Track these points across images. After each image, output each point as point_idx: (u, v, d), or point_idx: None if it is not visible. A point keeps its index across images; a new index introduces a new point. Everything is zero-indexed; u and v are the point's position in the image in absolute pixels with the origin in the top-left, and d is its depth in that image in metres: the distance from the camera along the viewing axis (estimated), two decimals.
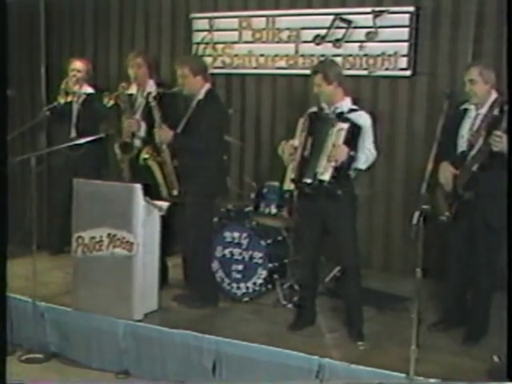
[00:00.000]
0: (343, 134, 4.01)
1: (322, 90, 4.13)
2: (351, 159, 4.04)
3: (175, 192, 4.73)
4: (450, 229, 4.13)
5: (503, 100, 3.89)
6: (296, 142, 4.22)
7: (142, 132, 4.98)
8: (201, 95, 4.62)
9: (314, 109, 4.31)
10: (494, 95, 3.97)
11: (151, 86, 5.02)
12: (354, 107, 4.18)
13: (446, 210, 4.01)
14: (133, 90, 5.08)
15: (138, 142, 4.99)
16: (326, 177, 4.02)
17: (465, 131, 4.01)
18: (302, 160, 4.16)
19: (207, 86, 4.65)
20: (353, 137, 4.02)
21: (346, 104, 4.17)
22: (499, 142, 3.70)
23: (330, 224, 4.18)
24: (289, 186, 4.23)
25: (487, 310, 4.12)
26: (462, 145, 4.01)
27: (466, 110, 4.07)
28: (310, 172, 4.10)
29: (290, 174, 4.19)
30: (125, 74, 5.21)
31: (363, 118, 4.11)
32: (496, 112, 3.90)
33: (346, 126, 4.02)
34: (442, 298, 4.43)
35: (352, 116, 4.09)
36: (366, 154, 4.09)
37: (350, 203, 4.18)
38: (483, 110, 3.97)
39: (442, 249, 4.42)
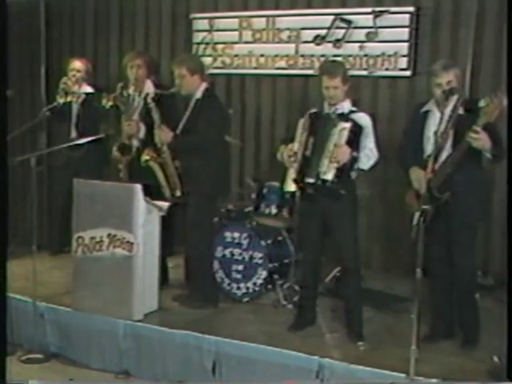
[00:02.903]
0: (346, 133, 4.01)
1: (338, 93, 4.10)
2: (354, 160, 4.04)
3: (178, 192, 4.73)
4: (428, 232, 3.86)
5: (465, 99, 3.94)
6: (295, 145, 4.21)
7: (142, 134, 4.95)
8: (198, 94, 4.62)
9: (314, 109, 4.31)
10: (456, 95, 3.94)
11: (149, 87, 4.98)
12: (354, 109, 4.18)
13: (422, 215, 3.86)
14: (129, 90, 5.03)
15: (135, 143, 4.96)
16: (329, 176, 4.02)
17: (430, 133, 3.94)
18: (303, 160, 4.16)
19: (204, 85, 4.65)
20: (355, 136, 4.02)
21: (346, 105, 4.18)
22: (477, 138, 3.68)
23: (331, 224, 4.18)
24: (290, 186, 4.23)
25: (476, 308, 4.09)
26: (430, 147, 3.93)
27: (427, 112, 4.02)
28: (313, 172, 4.10)
29: (292, 175, 4.19)
30: (124, 74, 5.21)
31: (364, 119, 4.11)
32: (461, 111, 3.88)
33: (348, 125, 4.03)
34: (430, 305, 4.23)
35: (353, 117, 4.09)
36: (368, 154, 4.09)
37: (352, 203, 4.18)
38: (447, 111, 3.90)
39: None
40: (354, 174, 4.15)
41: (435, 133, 3.86)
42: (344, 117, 4.09)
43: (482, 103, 3.72)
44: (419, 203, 3.79)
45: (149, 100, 4.73)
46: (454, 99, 3.90)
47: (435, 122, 3.93)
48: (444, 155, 3.90)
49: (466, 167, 3.83)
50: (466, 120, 3.81)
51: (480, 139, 3.69)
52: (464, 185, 3.87)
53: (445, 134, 3.86)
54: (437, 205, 3.87)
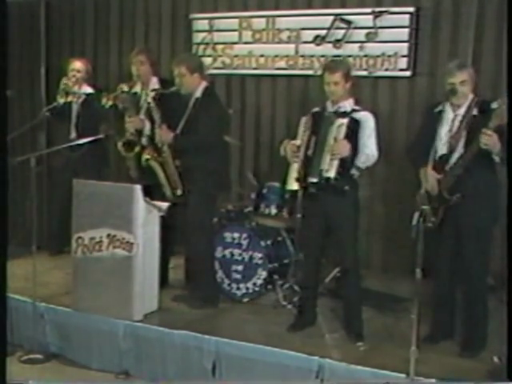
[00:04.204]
0: (343, 129, 4.03)
1: (338, 89, 4.11)
2: (354, 155, 4.05)
3: (179, 192, 4.72)
4: (437, 233, 3.95)
5: (480, 100, 3.90)
6: (298, 141, 4.22)
7: (147, 130, 4.95)
8: (198, 93, 4.62)
9: (317, 108, 4.31)
10: (470, 96, 3.93)
11: (154, 84, 5.01)
12: (357, 107, 4.20)
13: (432, 216, 3.88)
14: (137, 88, 5.06)
15: (144, 140, 4.95)
16: (332, 174, 4.03)
17: (443, 133, 3.92)
18: (305, 159, 4.16)
19: (204, 83, 4.65)
20: (353, 132, 4.04)
21: (349, 104, 4.19)
22: (489, 140, 3.65)
23: (333, 223, 4.18)
24: (292, 186, 4.22)
25: (486, 312, 4.05)
26: (442, 147, 3.92)
27: (441, 111, 3.97)
28: (315, 171, 4.10)
29: (294, 174, 4.19)
30: (125, 73, 5.21)
31: (367, 118, 4.12)
32: (475, 112, 3.86)
33: (345, 121, 4.05)
34: (431, 306, 4.21)
35: (355, 115, 4.10)
36: (367, 153, 4.10)
37: (354, 203, 4.19)
38: (461, 111, 3.90)
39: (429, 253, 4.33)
40: (355, 173, 4.16)
41: (447, 133, 3.85)
42: (345, 115, 4.09)
43: (494, 105, 3.69)
44: (430, 205, 3.80)
45: (149, 99, 4.73)
46: (468, 99, 3.89)
47: (448, 122, 3.92)
48: (455, 156, 3.87)
49: (477, 169, 3.80)
50: (478, 121, 3.78)
51: (491, 141, 3.64)
52: (475, 187, 3.83)
53: (457, 134, 3.85)
54: (446, 206, 3.87)
